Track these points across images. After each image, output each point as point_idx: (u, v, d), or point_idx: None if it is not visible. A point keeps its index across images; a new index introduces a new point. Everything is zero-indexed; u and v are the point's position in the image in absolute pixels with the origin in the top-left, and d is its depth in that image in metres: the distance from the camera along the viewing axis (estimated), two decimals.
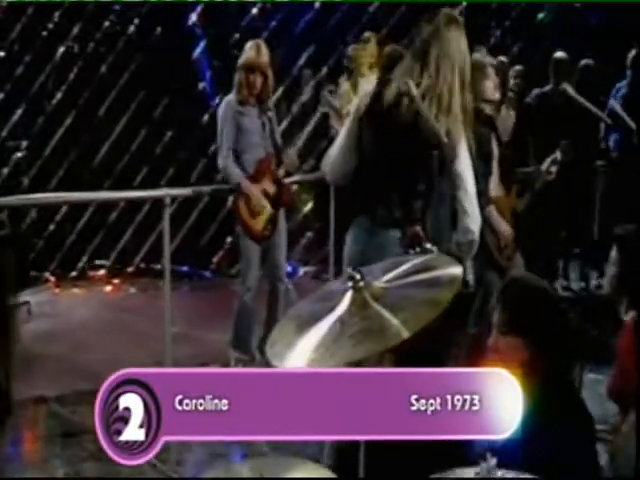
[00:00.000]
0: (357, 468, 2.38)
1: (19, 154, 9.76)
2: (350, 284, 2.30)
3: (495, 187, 5.58)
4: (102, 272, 9.95)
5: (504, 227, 5.51)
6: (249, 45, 6.41)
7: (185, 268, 9.36)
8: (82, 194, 7.82)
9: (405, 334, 2.12)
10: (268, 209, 6.27)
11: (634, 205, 7.07)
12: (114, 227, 9.89)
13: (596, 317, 4.74)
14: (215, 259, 9.95)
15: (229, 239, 9.86)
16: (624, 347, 3.62)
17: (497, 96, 5.22)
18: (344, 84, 7.92)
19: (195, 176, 10.07)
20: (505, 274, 5.56)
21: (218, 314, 7.82)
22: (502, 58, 8.50)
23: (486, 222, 5.48)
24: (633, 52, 8.15)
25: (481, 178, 5.49)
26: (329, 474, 2.33)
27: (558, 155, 5.71)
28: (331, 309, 2.28)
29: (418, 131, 4.03)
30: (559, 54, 8.03)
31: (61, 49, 9.89)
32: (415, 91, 3.94)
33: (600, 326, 4.34)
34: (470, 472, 2.04)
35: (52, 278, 9.73)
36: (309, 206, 9.83)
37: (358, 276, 2.31)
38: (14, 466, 5.11)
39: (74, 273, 9.87)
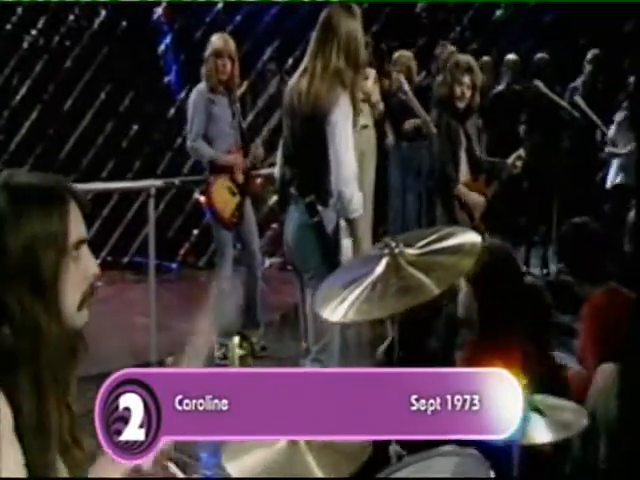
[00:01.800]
0: None
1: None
2: (386, 251, 2.51)
3: (464, 173, 5.76)
4: None
5: (474, 197, 5.67)
6: (216, 36, 6.44)
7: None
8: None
9: (436, 291, 2.37)
10: (236, 197, 6.32)
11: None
12: None
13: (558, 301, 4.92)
14: (182, 251, 9.87)
15: (195, 231, 9.93)
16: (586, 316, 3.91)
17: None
18: None
19: (161, 169, 10.04)
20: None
21: (186, 304, 8.02)
22: (486, 58, 8.66)
23: (457, 200, 5.67)
24: (592, 52, 8.29)
25: (450, 164, 5.67)
26: None
27: (522, 152, 5.86)
28: (370, 272, 2.50)
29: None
30: (511, 56, 8.28)
31: (26, 42, 9.74)
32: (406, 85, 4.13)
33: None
34: None
35: None
36: (274, 198, 9.86)
37: (393, 244, 2.52)
38: None
39: None
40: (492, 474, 2.20)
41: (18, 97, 9.76)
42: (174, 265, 9.55)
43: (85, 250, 1.88)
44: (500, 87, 8.17)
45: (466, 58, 5.87)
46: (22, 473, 1.75)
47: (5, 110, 9.74)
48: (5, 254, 1.78)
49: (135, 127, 10.00)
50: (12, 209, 1.80)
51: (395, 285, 2.41)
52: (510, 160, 5.84)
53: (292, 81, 4.30)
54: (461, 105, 5.68)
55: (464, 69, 5.68)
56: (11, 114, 9.76)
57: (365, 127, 8.08)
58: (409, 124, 7.52)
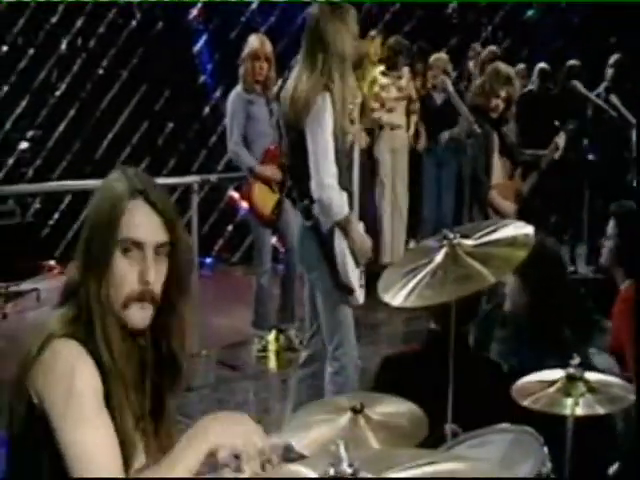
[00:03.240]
0: None
1: (23, 144, 9.85)
2: (445, 242, 2.67)
3: (498, 176, 5.90)
4: None
5: (506, 205, 5.80)
6: (252, 37, 6.55)
7: None
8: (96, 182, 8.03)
9: (493, 279, 2.54)
10: (276, 195, 6.48)
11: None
12: None
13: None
14: (216, 247, 10.03)
15: (230, 227, 10.09)
16: (618, 312, 3.92)
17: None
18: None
19: (195, 167, 10.23)
20: None
21: (221, 299, 8.02)
22: (521, 66, 8.78)
23: (490, 206, 5.82)
24: (615, 56, 8.37)
25: (482, 171, 5.82)
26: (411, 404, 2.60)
27: (560, 140, 6.00)
28: (429, 261, 2.66)
29: None
30: (542, 65, 8.38)
31: (64, 42, 9.87)
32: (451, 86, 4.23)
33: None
34: None
35: (57, 266, 9.91)
36: None
37: (451, 235, 2.67)
38: None
39: None
40: (546, 450, 2.36)
41: (56, 95, 9.93)
42: (209, 260, 9.70)
43: (145, 255, 1.98)
44: (531, 87, 8.26)
45: (507, 70, 5.91)
46: (114, 436, 1.91)
47: (44, 108, 9.91)
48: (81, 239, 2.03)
49: (170, 125, 10.19)
50: (91, 202, 2.05)
51: (454, 272, 2.55)
52: (550, 148, 6.00)
53: (285, 88, 4.35)
54: (495, 116, 5.82)
55: (503, 81, 5.76)
56: (49, 112, 9.92)
57: (398, 126, 8.27)
58: (443, 137, 7.67)
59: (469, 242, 2.66)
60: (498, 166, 5.88)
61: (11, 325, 7.70)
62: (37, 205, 9.72)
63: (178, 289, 2.05)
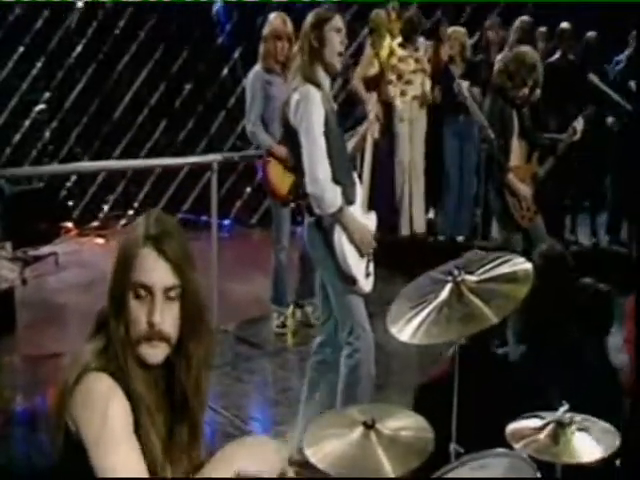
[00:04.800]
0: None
1: (39, 106, 10.13)
2: (450, 278, 2.94)
3: (516, 157, 6.08)
4: (123, 222, 10.32)
5: (523, 189, 6.01)
6: (273, 16, 6.69)
7: (204, 218, 9.78)
8: (138, 161, 8.48)
9: (495, 320, 2.81)
10: (292, 175, 6.68)
11: None
12: (134, 177, 10.24)
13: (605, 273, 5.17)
14: (234, 208, 10.32)
15: (248, 189, 10.36)
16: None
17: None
18: (367, 49, 8.33)
19: (214, 129, 10.44)
20: (529, 237, 6.15)
21: (239, 262, 8.34)
22: (542, 29, 8.85)
23: (507, 188, 6.05)
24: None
25: (501, 152, 6.03)
26: (420, 419, 2.88)
27: (579, 124, 6.16)
28: (435, 295, 2.94)
29: None
30: (564, 25, 8.40)
31: (80, 2, 10.06)
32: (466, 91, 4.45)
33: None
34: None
35: (74, 227, 10.18)
36: None
37: (456, 272, 2.93)
38: None
39: (96, 223, 10.24)
40: (539, 474, 2.64)
41: (72, 56, 10.13)
42: (227, 222, 9.98)
43: (152, 298, 2.20)
44: (555, 57, 8.32)
45: (533, 57, 6.00)
46: (144, 466, 2.21)
47: (60, 70, 10.12)
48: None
49: (188, 87, 10.40)
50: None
51: (459, 312, 2.80)
52: (567, 134, 6.18)
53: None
54: (518, 101, 5.98)
55: (529, 68, 5.89)
56: (65, 74, 10.15)
57: (415, 98, 8.46)
58: (457, 86, 7.80)
59: (472, 278, 2.90)
60: (516, 148, 6.06)
61: (31, 291, 7.94)
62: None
63: (189, 330, 2.27)
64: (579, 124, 6.16)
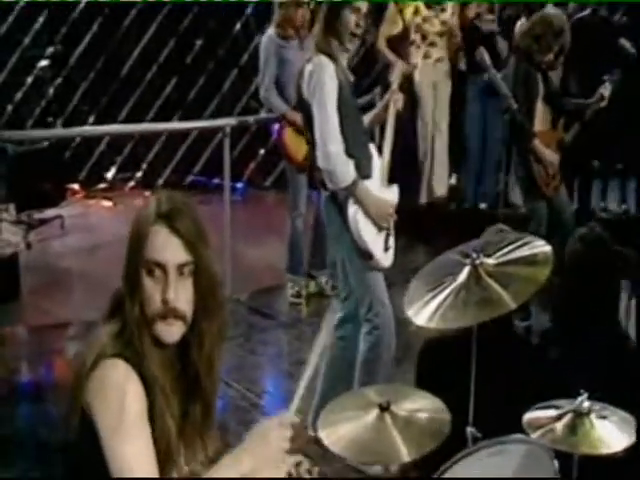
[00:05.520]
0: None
1: (43, 62, 10.10)
2: (468, 261, 3.01)
3: (541, 122, 6.13)
4: (132, 184, 10.40)
5: (549, 155, 6.06)
6: None
7: (216, 180, 9.85)
8: (147, 125, 8.56)
9: (514, 305, 2.89)
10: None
11: None
12: (143, 138, 10.22)
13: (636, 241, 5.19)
14: (248, 171, 10.36)
15: (262, 150, 10.36)
16: None
17: None
18: (391, 6, 8.32)
19: (227, 86, 10.47)
20: (553, 206, 6.21)
21: (253, 226, 8.40)
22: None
23: (532, 154, 6.10)
24: None
25: (525, 117, 6.07)
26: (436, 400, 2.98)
27: (605, 90, 6.19)
28: (453, 278, 3.01)
29: None
30: None
31: None
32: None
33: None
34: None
35: (81, 189, 10.22)
36: None
37: (474, 255, 2.99)
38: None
39: (103, 185, 10.30)
40: (556, 465, 2.73)
41: (77, 10, 10.12)
42: (240, 185, 10.02)
43: (167, 276, 2.30)
44: (585, 12, 8.26)
45: (560, 20, 6.01)
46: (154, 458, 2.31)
47: (64, 24, 10.09)
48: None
49: (199, 43, 10.40)
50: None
51: (477, 295, 2.89)
52: (593, 99, 6.21)
53: None
54: (544, 66, 6.02)
55: (555, 33, 5.92)
56: (69, 28, 10.12)
57: (439, 60, 8.47)
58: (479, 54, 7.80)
59: (491, 261, 2.98)
60: (541, 113, 6.10)
61: (35, 255, 8.04)
62: (59, 127, 10.02)
63: (202, 307, 2.36)
64: (606, 90, 6.17)
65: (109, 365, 2.27)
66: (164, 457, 2.31)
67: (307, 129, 4.60)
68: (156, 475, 2.26)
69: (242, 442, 2.34)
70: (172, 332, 2.34)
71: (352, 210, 4.48)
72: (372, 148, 4.67)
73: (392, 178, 4.76)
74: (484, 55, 6.30)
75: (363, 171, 4.52)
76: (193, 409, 2.44)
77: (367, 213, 4.50)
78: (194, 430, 2.45)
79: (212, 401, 2.49)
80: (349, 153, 4.44)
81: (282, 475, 2.37)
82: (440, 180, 8.78)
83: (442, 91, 8.59)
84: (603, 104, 6.20)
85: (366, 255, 4.54)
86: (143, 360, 2.30)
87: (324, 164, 4.43)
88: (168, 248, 2.31)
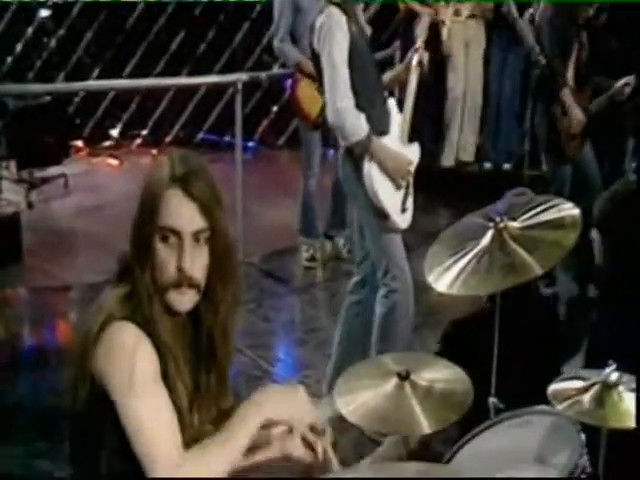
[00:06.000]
0: None
1: (44, 12, 10.02)
2: (492, 224, 3.00)
3: (571, 79, 6.07)
4: (138, 142, 10.39)
5: (577, 112, 6.03)
6: None
7: (227, 138, 9.83)
8: (154, 80, 8.64)
9: (539, 271, 2.86)
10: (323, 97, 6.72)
11: None
12: (150, 93, 10.18)
13: None
14: (260, 129, 10.33)
15: (275, 107, 10.30)
16: None
17: None
18: None
19: (239, 38, 10.42)
20: (577, 168, 6.18)
21: (265, 187, 8.41)
22: None
23: (560, 106, 6.05)
24: None
25: (559, 62, 6.00)
26: (458, 370, 2.98)
27: (632, 79, 6.15)
28: (476, 243, 3.01)
29: None
30: None
31: None
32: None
33: None
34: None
35: (85, 146, 10.23)
36: None
37: (499, 218, 2.99)
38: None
39: (108, 143, 10.30)
40: (583, 438, 2.74)
41: None
42: (251, 144, 10.02)
43: (182, 243, 2.30)
44: None
45: None
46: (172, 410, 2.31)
47: None
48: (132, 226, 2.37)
49: None
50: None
51: (500, 261, 2.89)
52: (619, 84, 6.14)
53: None
54: (581, 21, 5.96)
55: None
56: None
57: (472, 17, 8.39)
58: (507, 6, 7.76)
59: (516, 225, 2.98)
60: (571, 71, 6.05)
61: (37, 216, 8.08)
62: (62, 80, 9.99)
63: (217, 274, 2.37)
64: (630, 82, 6.09)
65: (118, 327, 2.28)
66: (177, 426, 2.32)
67: (321, 83, 4.60)
68: (178, 435, 2.27)
69: (256, 395, 2.36)
70: (185, 301, 2.35)
71: (367, 166, 4.49)
72: (391, 104, 4.66)
73: (413, 138, 4.75)
74: (512, 7, 6.25)
75: (379, 127, 4.53)
76: (207, 378, 2.46)
77: (383, 169, 4.51)
78: (209, 399, 2.47)
79: (227, 370, 2.51)
80: (361, 107, 4.45)
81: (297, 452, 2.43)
82: (468, 146, 8.75)
83: (474, 51, 8.49)
84: (627, 89, 6.10)
85: (382, 215, 4.54)
86: (154, 327, 2.31)
87: (333, 119, 4.45)
88: (184, 214, 2.31)
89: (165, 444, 2.22)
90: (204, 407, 2.46)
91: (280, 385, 2.46)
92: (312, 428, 2.42)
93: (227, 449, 2.26)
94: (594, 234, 3.58)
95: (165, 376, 2.32)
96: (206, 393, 2.46)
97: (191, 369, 2.43)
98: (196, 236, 2.32)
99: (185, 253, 2.31)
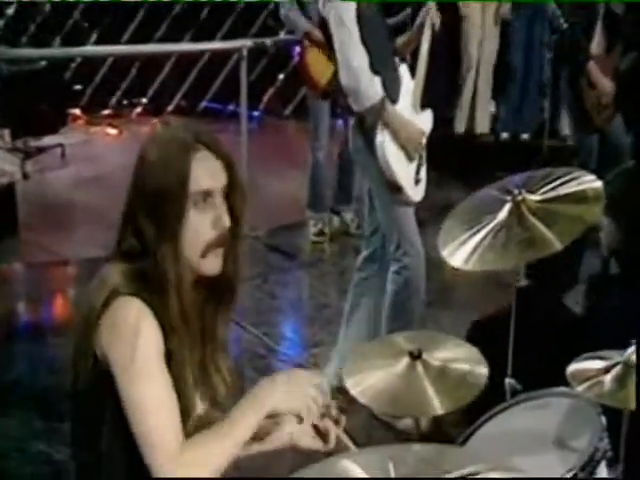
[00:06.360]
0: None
1: None
2: (509, 197, 2.98)
3: (597, 45, 6.10)
4: (138, 110, 10.43)
5: (605, 82, 6.02)
6: None
7: (231, 107, 9.88)
8: (155, 46, 8.64)
9: (559, 246, 2.83)
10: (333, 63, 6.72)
11: None
12: (151, 59, 10.20)
13: None
14: (266, 98, 10.37)
15: (281, 75, 10.34)
16: None
17: None
18: None
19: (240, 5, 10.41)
20: (605, 139, 6.18)
21: (271, 158, 8.47)
22: None
23: (585, 79, 6.04)
24: None
25: (582, 35, 5.99)
26: (472, 349, 2.98)
27: None
28: (492, 216, 2.99)
29: None
30: None
31: None
32: None
33: None
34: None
35: (83, 115, 10.28)
36: None
37: (516, 191, 2.98)
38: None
39: (107, 111, 10.36)
40: (603, 421, 2.75)
41: None
42: (256, 113, 10.04)
43: (214, 202, 2.33)
44: None
45: None
46: (174, 395, 2.32)
47: None
48: (142, 197, 2.35)
49: None
50: (151, 158, 2.36)
51: (518, 235, 2.87)
52: None
53: None
54: None
55: None
56: None
57: None
58: None
59: (534, 198, 2.95)
60: (599, 34, 6.03)
61: (33, 187, 8.10)
62: (57, 45, 10.03)
63: (236, 229, 2.40)
64: None
65: (123, 302, 2.28)
66: (180, 407, 2.33)
67: (331, 48, 4.59)
68: (177, 419, 2.28)
69: (263, 383, 2.38)
70: (217, 263, 2.38)
71: (380, 136, 4.47)
72: (403, 70, 4.64)
73: (425, 105, 4.73)
74: None
75: (390, 94, 4.51)
76: (211, 355, 2.49)
77: (396, 139, 4.49)
78: (210, 378, 2.50)
79: (227, 342, 2.55)
80: (374, 70, 4.43)
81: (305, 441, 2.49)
82: (483, 114, 8.72)
83: (491, 14, 8.50)
84: None
85: (394, 187, 4.53)
86: (163, 304, 2.32)
87: (346, 81, 4.43)
88: (215, 172, 2.36)
89: (164, 430, 2.24)
90: (208, 385, 2.49)
91: (286, 373, 2.44)
92: (324, 414, 2.46)
93: (228, 442, 2.28)
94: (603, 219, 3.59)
95: (172, 355, 2.32)
96: (209, 369, 2.49)
97: (199, 352, 2.46)
98: (224, 193, 2.37)
99: (221, 211, 2.35)
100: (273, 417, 2.43)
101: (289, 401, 2.35)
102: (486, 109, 8.76)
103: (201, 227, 2.34)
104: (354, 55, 4.39)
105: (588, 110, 6.09)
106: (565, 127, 7.95)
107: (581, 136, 6.25)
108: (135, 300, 2.29)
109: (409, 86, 4.62)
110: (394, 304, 4.67)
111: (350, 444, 2.51)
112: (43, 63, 8.72)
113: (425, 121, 4.70)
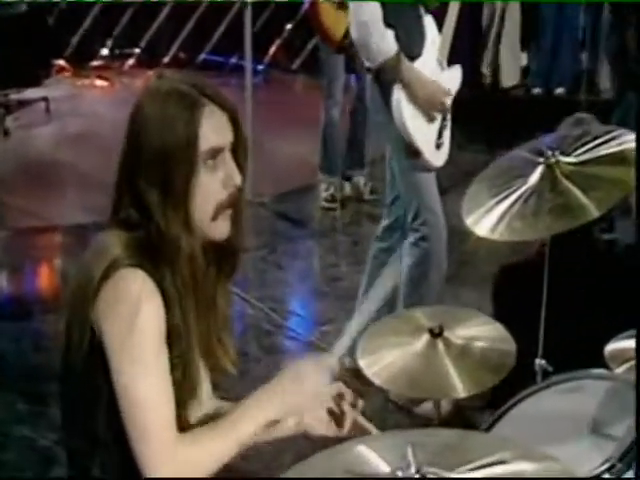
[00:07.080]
0: None
1: None
2: (541, 159, 2.96)
3: None
4: (131, 62, 10.44)
5: None
6: None
7: (234, 60, 9.88)
8: None
9: (596, 213, 2.79)
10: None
11: None
12: (144, 5, 10.24)
13: None
14: (272, 50, 10.37)
15: (289, 25, 10.35)
16: None
17: None
18: None
19: None
20: None
21: (278, 115, 8.48)
22: None
23: (633, 27, 6.03)
24: None
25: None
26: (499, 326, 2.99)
27: None
28: (522, 181, 2.98)
29: None
30: None
31: None
32: None
33: None
34: None
35: (69, 66, 10.28)
36: None
37: (549, 152, 2.96)
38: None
39: (96, 62, 10.37)
40: None
41: None
42: (261, 66, 10.02)
43: (223, 159, 2.33)
44: None
45: None
46: (169, 385, 2.35)
47: None
48: (142, 160, 2.32)
49: None
50: (150, 115, 2.33)
51: (551, 202, 2.85)
52: None
53: None
54: None
55: None
56: None
57: None
58: None
59: (569, 160, 2.93)
60: None
61: (15, 145, 8.16)
62: None
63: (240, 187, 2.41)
64: None
65: (126, 274, 2.27)
66: (184, 387, 2.35)
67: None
68: (171, 408, 2.29)
69: (271, 383, 2.39)
70: (226, 227, 2.39)
71: (396, 94, 4.46)
72: (428, 21, 4.62)
73: (453, 59, 4.72)
74: None
75: (411, 48, 4.48)
76: (214, 328, 2.50)
77: (414, 98, 4.49)
78: (213, 352, 2.51)
79: (229, 317, 2.57)
80: (388, 23, 4.41)
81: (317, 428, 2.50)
82: (510, 66, 8.71)
83: None
84: None
85: (412, 151, 4.53)
86: (174, 275, 2.32)
87: (356, 35, 4.43)
88: (222, 128, 2.34)
89: (158, 420, 2.25)
90: (212, 360, 2.51)
91: (295, 366, 2.44)
92: (338, 397, 2.50)
93: (229, 440, 2.30)
94: None
95: (172, 331, 2.32)
96: (214, 345, 2.51)
97: (204, 328, 2.46)
98: (231, 149, 2.37)
99: (230, 169, 2.35)
100: None
101: (300, 399, 2.38)
102: (513, 59, 8.73)
103: (212, 188, 2.33)
104: (364, 7, 4.38)
105: (632, 62, 6.07)
106: (604, 80, 7.92)
107: (621, 89, 6.22)
108: (139, 272, 2.28)
109: (435, 40, 4.60)
110: (412, 278, 4.68)
111: (372, 427, 2.50)
112: (23, 7, 8.67)
113: (452, 79, 4.67)
